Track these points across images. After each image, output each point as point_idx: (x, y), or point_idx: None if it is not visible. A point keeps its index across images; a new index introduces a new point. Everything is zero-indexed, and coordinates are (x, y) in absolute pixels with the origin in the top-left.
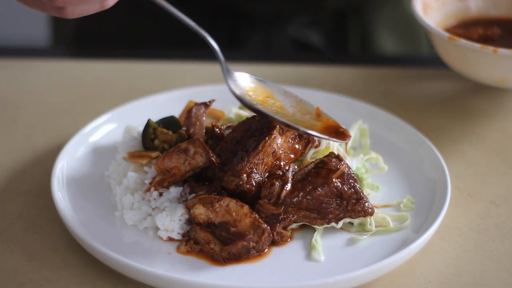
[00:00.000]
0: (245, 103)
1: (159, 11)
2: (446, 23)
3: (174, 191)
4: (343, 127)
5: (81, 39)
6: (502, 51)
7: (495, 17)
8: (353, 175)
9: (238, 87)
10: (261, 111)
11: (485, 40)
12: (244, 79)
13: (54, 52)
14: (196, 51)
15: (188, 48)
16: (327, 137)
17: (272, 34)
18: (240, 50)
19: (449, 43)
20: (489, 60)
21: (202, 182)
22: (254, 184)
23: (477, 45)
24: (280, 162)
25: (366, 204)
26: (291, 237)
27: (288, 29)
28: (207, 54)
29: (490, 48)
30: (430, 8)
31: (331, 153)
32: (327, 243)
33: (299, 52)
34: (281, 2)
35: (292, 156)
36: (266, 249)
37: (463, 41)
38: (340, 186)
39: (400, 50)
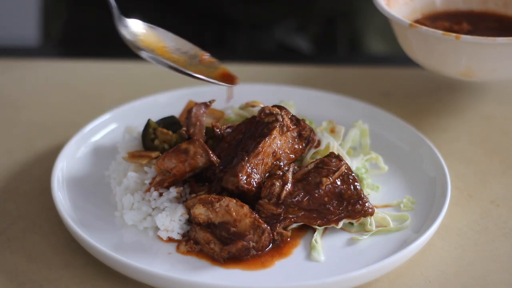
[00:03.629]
0: (136, 47)
1: (154, 13)
2: (412, 17)
3: (174, 191)
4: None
5: (71, 40)
6: (466, 37)
7: (465, 11)
8: (353, 175)
9: (131, 33)
10: (157, 58)
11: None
12: (137, 25)
13: (55, 52)
14: None
15: None
16: (215, 81)
17: (258, 39)
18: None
19: (410, 32)
20: (452, 49)
21: (202, 182)
22: (254, 184)
23: (439, 32)
24: (280, 162)
25: (366, 204)
26: (292, 237)
27: (275, 34)
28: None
29: (453, 35)
30: (395, 1)
31: (331, 153)
32: (327, 243)
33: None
34: (267, 7)
35: (292, 156)
36: (268, 248)
37: (424, 28)
38: (340, 186)
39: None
